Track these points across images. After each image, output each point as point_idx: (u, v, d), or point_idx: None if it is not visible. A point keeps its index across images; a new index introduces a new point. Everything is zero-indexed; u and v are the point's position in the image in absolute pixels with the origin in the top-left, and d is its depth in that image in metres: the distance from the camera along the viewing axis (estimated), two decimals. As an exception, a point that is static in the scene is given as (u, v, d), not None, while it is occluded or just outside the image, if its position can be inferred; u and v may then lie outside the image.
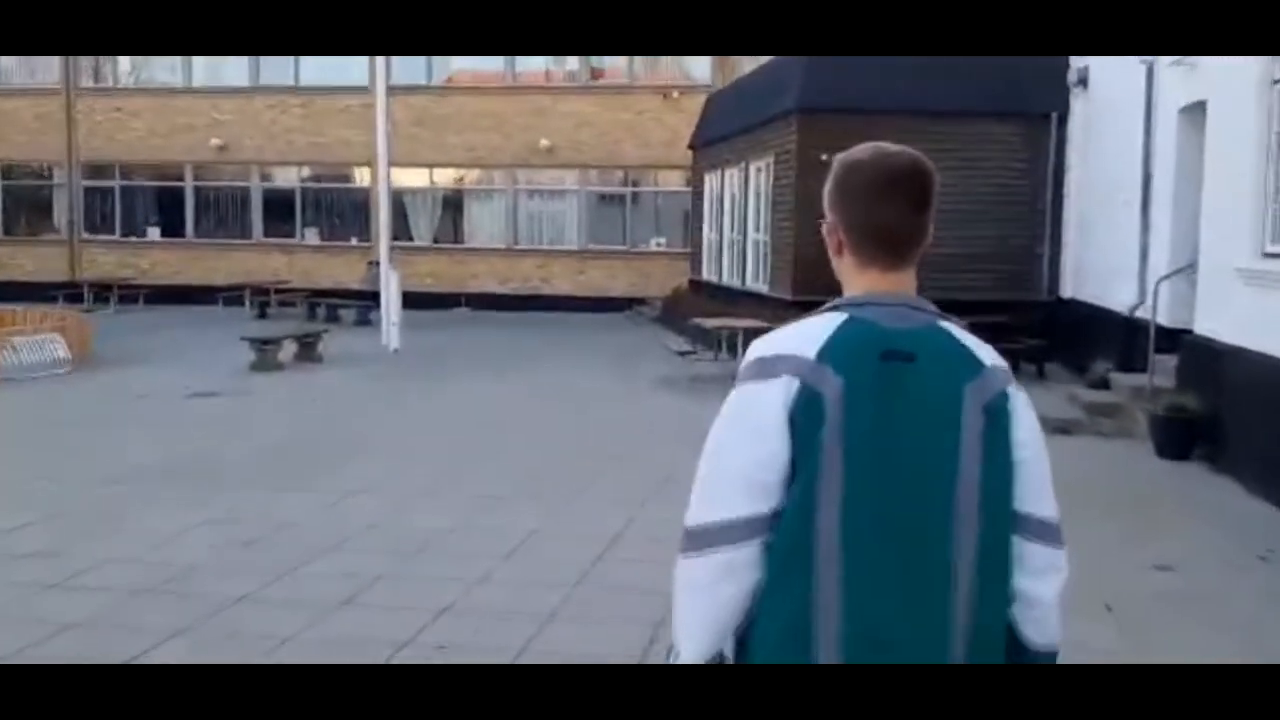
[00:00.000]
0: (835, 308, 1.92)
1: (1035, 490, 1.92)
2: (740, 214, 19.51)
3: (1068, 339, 15.16)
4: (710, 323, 15.45)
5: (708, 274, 21.88)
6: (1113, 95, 14.45)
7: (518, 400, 13.22)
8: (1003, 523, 1.88)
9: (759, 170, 18.34)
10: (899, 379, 1.83)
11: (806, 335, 1.87)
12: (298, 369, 15.79)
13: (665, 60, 25.45)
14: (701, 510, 1.88)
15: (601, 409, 12.56)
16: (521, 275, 25.78)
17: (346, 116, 25.41)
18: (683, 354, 14.07)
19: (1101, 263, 14.46)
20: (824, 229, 2.00)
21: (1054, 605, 1.94)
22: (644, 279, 25.09)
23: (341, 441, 10.49)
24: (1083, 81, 15.68)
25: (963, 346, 1.90)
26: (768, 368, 1.86)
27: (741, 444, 1.85)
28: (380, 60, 18.67)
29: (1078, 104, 16.12)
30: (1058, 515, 1.95)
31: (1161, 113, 12.08)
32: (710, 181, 21.73)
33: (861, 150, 1.97)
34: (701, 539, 1.87)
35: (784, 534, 1.83)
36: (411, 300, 24.92)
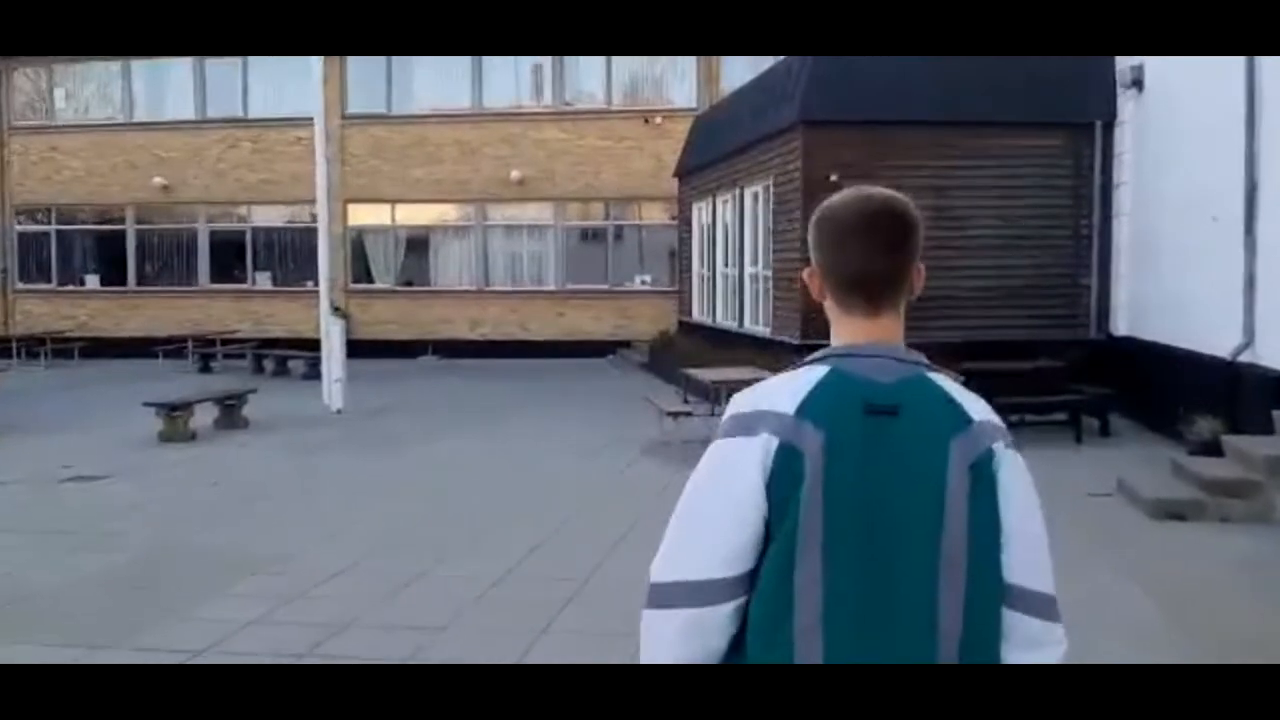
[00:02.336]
0: (817, 360, 1.78)
1: (1025, 559, 1.74)
2: (735, 246, 16.75)
3: (1130, 386, 12.37)
4: (706, 375, 12.62)
5: (699, 315, 19.10)
6: (1181, 94, 11.76)
7: (469, 478, 10.36)
8: (990, 590, 1.70)
9: (755, 195, 15.60)
10: (882, 434, 1.69)
11: (787, 390, 1.73)
12: (215, 438, 12.91)
13: (646, 83, 22.76)
14: (671, 567, 1.74)
15: (573, 490, 9.70)
16: (493, 319, 22.95)
17: (300, 149, 22.53)
18: (675, 415, 11.24)
19: (1176, 293, 11.70)
20: (806, 274, 1.86)
21: None
22: (629, 321, 22.30)
23: (222, 554, 7.60)
24: (1137, 82, 12.99)
25: (949, 400, 1.74)
26: (747, 424, 1.72)
27: (716, 504, 1.71)
28: (316, 67, 15.80)
29: (1129, 108, 13.42)
30: (1052, 588, 1.77)
31: (1271, 107, 9.37)
32: (699, 211, 18.99)
33: (839, 195, 1.84)
34: (669, 596, 1.73)
35: (762, 600, 1.69)
36: (373, 349, 22.20)
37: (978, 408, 1.76)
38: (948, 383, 1.77)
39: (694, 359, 15.96)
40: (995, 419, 1.77)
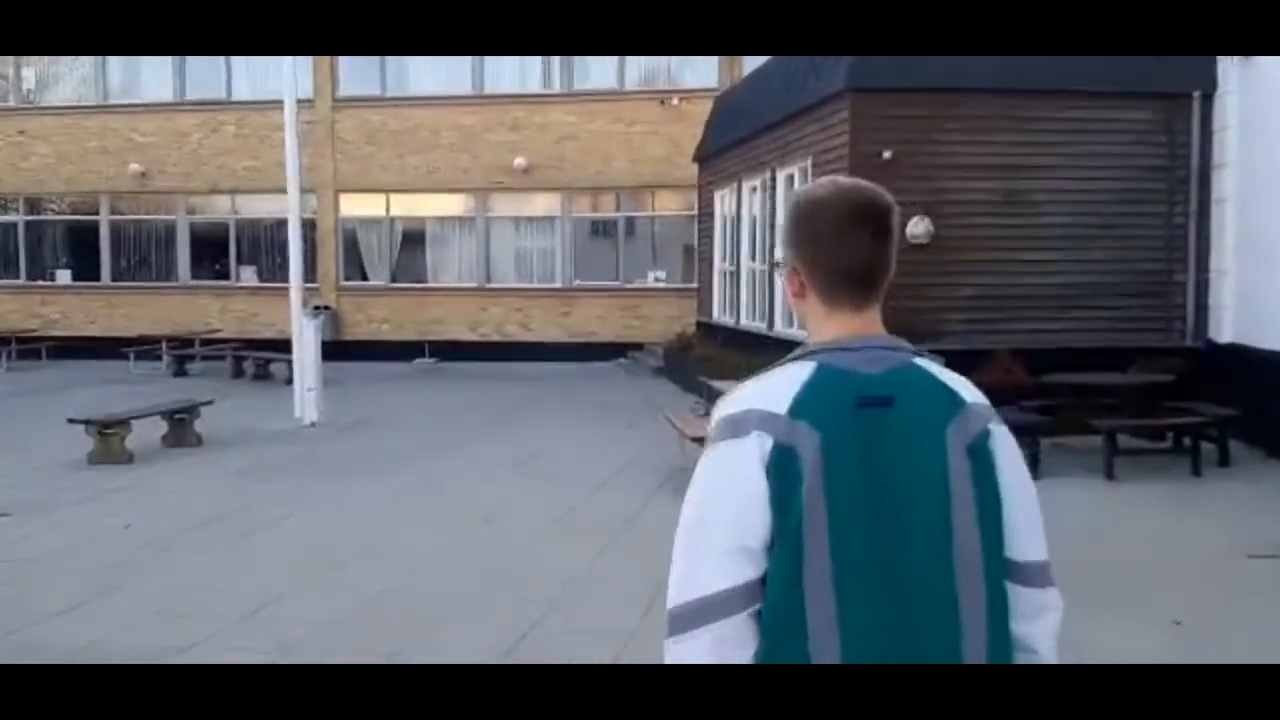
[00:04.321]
0: (803, 356, 1.70)
1: (1024, 532, 1.70)
2: (764, 238, 14.51)
3: (1240, 404, 10.08)
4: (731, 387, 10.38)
5: (720, 315, 16.87)
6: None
7: (445, 522, 8.15)
8: (1001, 570, 1.67)
9: (790, 178, 13.37)
10: (878, 427, 1.63)
11: (775, 389, 1.65)
12: (157, 459, 10.73)
13: (661, 62, 20.49)
14: (687, 588, 1.64)
15: (574, 542, 7.51)
16: (495, 319, 20.74)
17: (299, 139, 20.36)
18: (700, 440, 9.04)
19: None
20: (783, 273, 1.80)
21: (1048, 649, 1.74)
22: (641, 321, 20.09)
23: (81, 653, 5.42)
24: (1248, 42, 10.73)
25: (941, 385, 1.70)
26: (737, 427, 1.64)
27: (721, 510, 1.63)
28: (287, 63, 13.69)
29: (1233, 76, 11.19)
30: (1046, 555, 1.73)
31: None
32: (722, 200, 16.76)
33: (816, 186, 1.78)
34: (691, 618, 1.63)
35: (771, 606, 1.61)
36: (365, 350, 20.10)
37: (968, 390, 1.71)
38: (936, 367, 1.72)
39: (715, 364, 13.79)
40: (983, 399, 1.72)
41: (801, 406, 1.61)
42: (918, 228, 11.11)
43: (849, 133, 11.24)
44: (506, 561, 6.96)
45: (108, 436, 10.48)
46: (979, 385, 1.75)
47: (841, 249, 1.70)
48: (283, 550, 7.34)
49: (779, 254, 2.08)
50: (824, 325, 1.73)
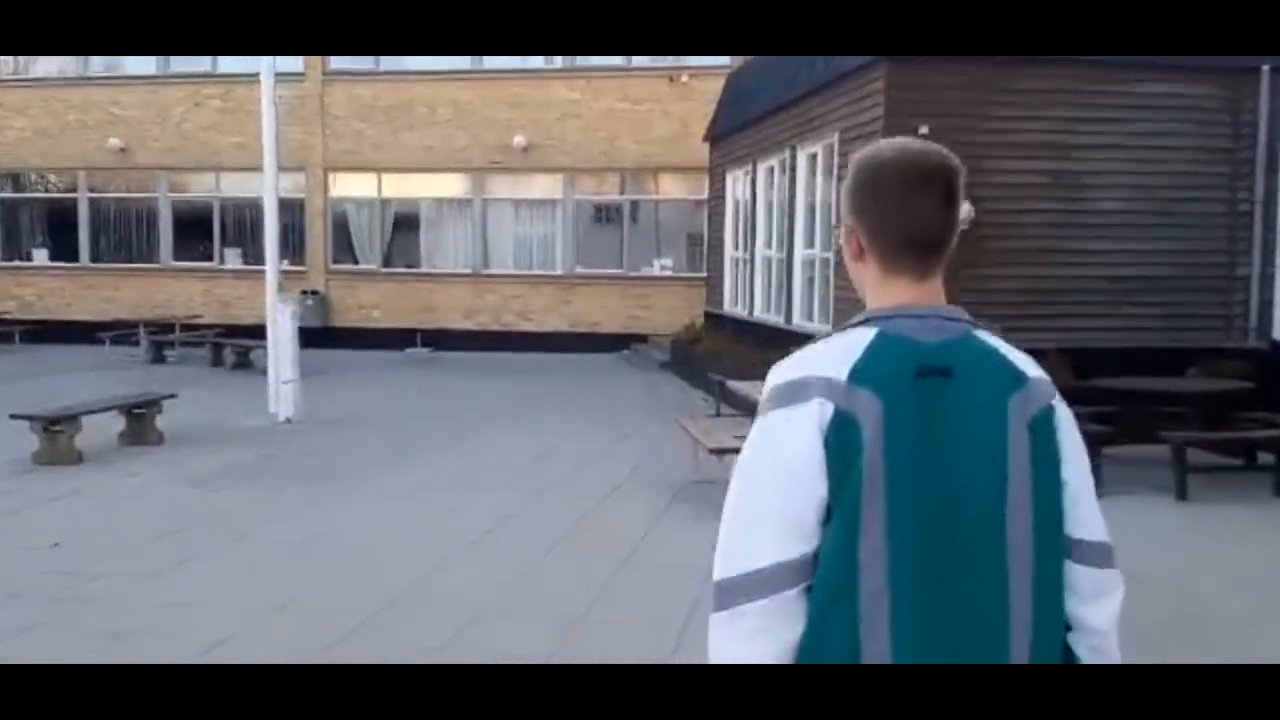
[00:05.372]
0: (863, 322, 1.62)
1: (1083, 511, 1.62)
2: (782, 223, 13.34)
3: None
4: (753, 389, 9.23)
5: (732, 306, 15.71)
6: None
7: (423, 543, 6.99)
8: (1056, 546, 1.60)
9: (813, 158, 12.19)
10: (937, 397, 1.54)
11: (836, 354, 1.57)
12: (110, 460, 9.58)
13: (670, 38, 19.31)
14: (735, 560, 1.55)
15: (571, 581, 6.37)
16: (492, 308, 19.57)
17: (277, 109, 19.17)
18: (720, 452, 7.86)
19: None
20: (841, 234, 1.71)
21: (1111, 629, 1.65)
22: (646, 311, 18.93)
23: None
24: (1330, 9, 9.56)
25: (1002, 358, 1.60)
26: (796, 392, 1.55)
27: (775, 481, 1.53)
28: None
29: (1310, 48, 10.00)
30: (1108, 535, 1.65)
31: None
32: (735, 182, 15.57)
33: (883, 147, 1.66)
34: (738, 592, 1.54)
35: (825, 576, 1.53)
36: (355, 338, 19.01)
37: (1029, 364, 1.62)
38: (997, 340, 1.63)
39: (725, 359, 12.67)
40: (1045, 375, 1.63)
41: (863, 373, 1.53)
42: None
43: (883, 105, 10.06)
44: (496, 596, 5.82)
45: (54, 434, 9.33)
46: None
47: (907, 213, 1.61)
48: (231, 579, 6.19)
49: (841, 217, 1.58)
50: (883, 291, 1.64)
